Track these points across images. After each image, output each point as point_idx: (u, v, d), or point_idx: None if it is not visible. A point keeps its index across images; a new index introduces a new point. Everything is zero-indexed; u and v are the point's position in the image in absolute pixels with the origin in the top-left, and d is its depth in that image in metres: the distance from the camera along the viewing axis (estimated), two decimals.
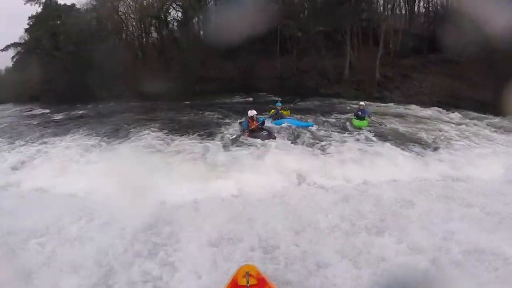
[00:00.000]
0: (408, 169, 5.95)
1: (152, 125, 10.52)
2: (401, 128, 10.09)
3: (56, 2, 31.95)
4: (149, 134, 9.16)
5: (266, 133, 8.28)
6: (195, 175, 5.63)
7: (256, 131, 8.34)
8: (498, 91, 18.23)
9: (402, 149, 7.17)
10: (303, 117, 11.32)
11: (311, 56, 20.40)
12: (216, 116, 13.09)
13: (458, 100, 18.53)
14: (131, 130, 10.02)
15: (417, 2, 25.48)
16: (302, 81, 20.18)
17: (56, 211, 4.43)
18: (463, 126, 10.65)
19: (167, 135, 8.97)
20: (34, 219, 4.18)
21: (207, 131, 9.64)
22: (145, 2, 31.85)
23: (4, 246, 3.64)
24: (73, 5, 31.92)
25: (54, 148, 8.27)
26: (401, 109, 15.66)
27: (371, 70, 19.74)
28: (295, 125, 9.63)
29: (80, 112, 18.31)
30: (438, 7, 24.73)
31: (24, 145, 8.95)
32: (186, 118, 13.38)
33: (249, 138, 8.09)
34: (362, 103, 10.69)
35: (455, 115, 13.88)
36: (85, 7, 31.51)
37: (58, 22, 30.91)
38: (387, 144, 7.53)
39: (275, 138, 8.02)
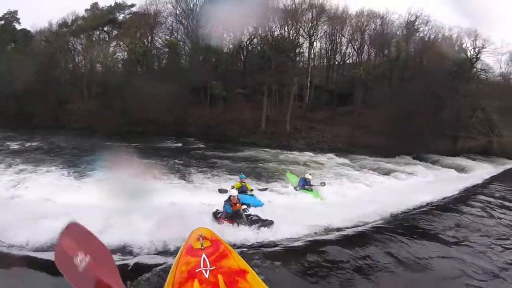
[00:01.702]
0: None
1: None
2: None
3: (14, 26, 32.78)
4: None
5: (255, 217, 6.72)
6: None
7: (237, 216, 6.74)
8: (390, 137, 23.53)
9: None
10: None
11: (234, 109, 24.27)
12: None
13: (355, 146, 23.39)
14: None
15: (333, 60, 31.13)
16: (225, 130, 23.78)
17: None
18: (337, 168, 14.78)
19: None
20: None
21: None
22: (94, 39, 34.31)
23: None
24: (28, 31, 33.05)
25: None
26: (294, 155, 19.67)
27: (284, 122, 24.05)
28: (251, 204, 8.14)
29: (33, 143, 19.07)
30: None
31: None
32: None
33: (230, 225, 6.52)
34: (309, 175, 10.48)
35: (332, 159, 18.26)
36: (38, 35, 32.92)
37: (13, 46, 31.64)
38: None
39: (271, 223, 6.37)
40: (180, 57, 28.70)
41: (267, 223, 6.38)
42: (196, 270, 1.59)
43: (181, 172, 12.41)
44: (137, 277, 3.03)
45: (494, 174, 15.28)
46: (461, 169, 18.62)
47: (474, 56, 31.05)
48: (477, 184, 11.44)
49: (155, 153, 17.32)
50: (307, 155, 19.56)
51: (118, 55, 32.55)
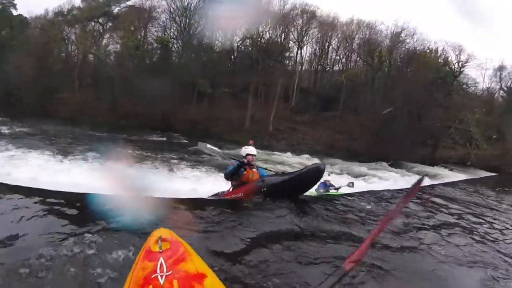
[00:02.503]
0: None
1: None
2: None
3: (11, 12, 32.91)
4: None
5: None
6: None
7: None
8: (369, 143, 24.41)
9: None
10: None
11: (220, 107, 24.99)
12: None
13: (334, 150, 24.21)
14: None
15: (321, 65, 32.06)
16: (211, 127, 24.46)
17: None
18: None
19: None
20: None
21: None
22: (88, 30, 34.66)
23: None
24: (25, 18, 33.23)
25: None
26: (275, 155, 20.39)
27: (268, 123, 24.83)
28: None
29: (23, 129, 19.23)
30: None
31: None
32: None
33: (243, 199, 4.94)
34: (328, 177, 9.04)
35: (302, 158, 19.02)
36: (34, 22, 33.18)
37: (8, 32, 31.83)
38: None
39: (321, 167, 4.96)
40: (171, 54, 29.27)
41: (315, 166, 4.90)
42: (152, 276, 1.47)
43: (162, 162, 13.02)
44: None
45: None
46: (435, 177, 18.90)
47: (457, 69, 32.27)
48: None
49: (141, 145, 17.92)
50: (285, 156, 20.29)
51: (110, 48, 33.11)
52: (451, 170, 23.69)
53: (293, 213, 4.28)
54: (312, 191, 8.26)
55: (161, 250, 1.60)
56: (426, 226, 4.68)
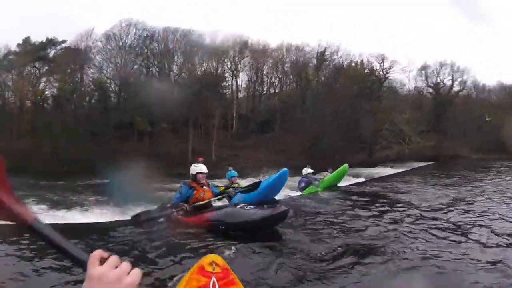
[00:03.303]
0: None
1: None
2: None
3: None
4: None
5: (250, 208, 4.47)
6: None
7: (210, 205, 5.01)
8: (307, 158, 26.09)
9: None
10: None
11: (162, 143, 25.70)
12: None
13: (275, 169, 25.51)
14: None
15: (258, 91, 33.96)
16: (154, 163, 25.01)
17: None
18: None
19: None
20: None
21: None
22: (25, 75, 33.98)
23: None
24: None
25: None
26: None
27: (209, 153, 25.88)
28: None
29: None
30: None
31: None
32: None
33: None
34: (309, 169, 9.73)
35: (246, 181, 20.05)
36: None
37: None
38: None
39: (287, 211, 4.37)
40: (109, 94, 29.60)
41: (280, 211, 4.26)
42: None
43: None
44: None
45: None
46: (373, 176, 20.08)
47: (383, 76, 35.52)
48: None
49: (81, 190, 18.17)
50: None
51: (48, 92, 32.64)
52: (391, 167, 25.54)
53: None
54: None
55: (213, 271, 1.60)
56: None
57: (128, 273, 0.66)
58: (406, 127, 32.72)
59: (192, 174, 5.08)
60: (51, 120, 29.42)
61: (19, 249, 3.60)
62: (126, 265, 0.67)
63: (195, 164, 5.20)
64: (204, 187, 5.00)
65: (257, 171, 25.06)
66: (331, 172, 9.92)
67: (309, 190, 9.37)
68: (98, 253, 0.68)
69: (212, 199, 5.02)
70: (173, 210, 4.87)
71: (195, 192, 4.89)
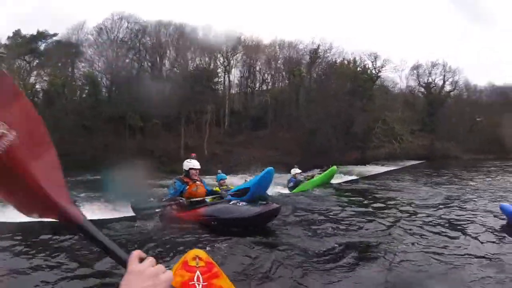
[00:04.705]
0: None
1: None
2: None
3: None
4: None
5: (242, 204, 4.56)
6: None
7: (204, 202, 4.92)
8: (300, 154, 26.11)
9: None
10: None
11: (154, 138, 25.44)
12: None
13: (269, 166, 25.47)
14: None
15: (251, 87, 33.82)
16: (146, 160, 24.75)
17: None
18: None
19: None
20: None
21: None
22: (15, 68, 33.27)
23: None
24: None
25: None
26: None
27: (202, 149, 25.70)
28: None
29: None
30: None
31: None
32: None
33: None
34: (297, 169, 9.94)
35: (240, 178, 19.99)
36: None
37: None
38: None
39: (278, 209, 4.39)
40: (100, 88, 29.18)
41: (271, 208, 4.27)
42: (190, 283, 1.59)
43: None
44: None
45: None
46: (364, 175, 19.72)
47: (375, 75, 35.66)
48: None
49: (71, 187, 17.75)
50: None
51: (38, 86, 31.99)
52: (383, 165, 25.74)
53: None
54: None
55: (197, 266, 1.73)
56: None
57: (164, 272, 0.75)
58: (398, 126, 33.00)
59: (185, 169, 5.15)
60: (41, 114, 28.55)
61: (12, 245, 3.63)
62: (161, 266, 0.76)
63: (188, 160, 5.26)
64: (197, 182, 5.06)
65: (249, 168, 25.01)
66: (319, 173, 10.08)
67: (300, 188, 9.39)
68: (137, 253, 0.77)
69: (206, 198, 5.02)
70: (171, 203, 4.96)
71: (188, 187, 4.95)
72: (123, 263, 0.76)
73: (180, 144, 25.54)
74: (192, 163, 5.15)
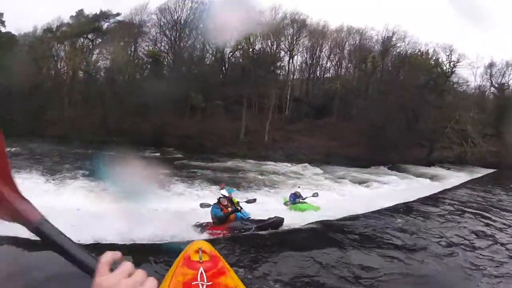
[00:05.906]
0: None
1: None
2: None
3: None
4: None
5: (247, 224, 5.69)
6: None
7: (232, 220, 5.86)
8: (365, 148, 24.16)
9: None
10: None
11: (214, 120, 24.65)
12: None
13: (331, 157, 23.83)
14: None
15: (313, 74, 32.01)
16: (204, 141, 24.06)
17: None
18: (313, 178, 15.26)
19: None
20: None
21: None
22: (77, 46, 34.32)
23: None
24: (13, 35, 32.39)
25: None
26: (270, 165, 19.90)
27: (263, 133, 24.50)
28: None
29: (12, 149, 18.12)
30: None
31: None
32: None
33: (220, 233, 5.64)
34: (299, 189, 10.00)
35: (308, 170, 18.68)
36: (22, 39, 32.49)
37: None
38: None
39: (282, 221, 5.62)
40: (162, 67, 29.01)
41: (276, 221, 5.52)
42: (193, 283, 1.54)
43: (161, 180, 12.46)
44: None
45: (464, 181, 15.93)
46: (434, 178, 18.74)
47: (449, 70, 32.33)
48: (444, 190, 11.77)
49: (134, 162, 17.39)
50: (284, 166, 19.90)
51: (100, 63, 32.73)
52: (449, 169, 23.63)
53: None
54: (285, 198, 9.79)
55: (201, 261, 1.64)
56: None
57: (143, 284, 0.53)
58: (471, 127, 29.72)
59: (217, 198, 6.28)
60: (103, 92, 29.46)
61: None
62: (140, 273, 0.54)
63: (220, 191, 6.47)
64: (229, 208, 6.06)
65: (309, 158, 23.43)
66: (315, 196, 9.65)
67: (305, 207, 9.08)
68: (109, 256, 0.54)
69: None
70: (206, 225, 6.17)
71: (223, 210, 6.03)
72: (91, 272, 0.53)
73: (241, 127, 24.54)
74: (222, 192, 6.33)
